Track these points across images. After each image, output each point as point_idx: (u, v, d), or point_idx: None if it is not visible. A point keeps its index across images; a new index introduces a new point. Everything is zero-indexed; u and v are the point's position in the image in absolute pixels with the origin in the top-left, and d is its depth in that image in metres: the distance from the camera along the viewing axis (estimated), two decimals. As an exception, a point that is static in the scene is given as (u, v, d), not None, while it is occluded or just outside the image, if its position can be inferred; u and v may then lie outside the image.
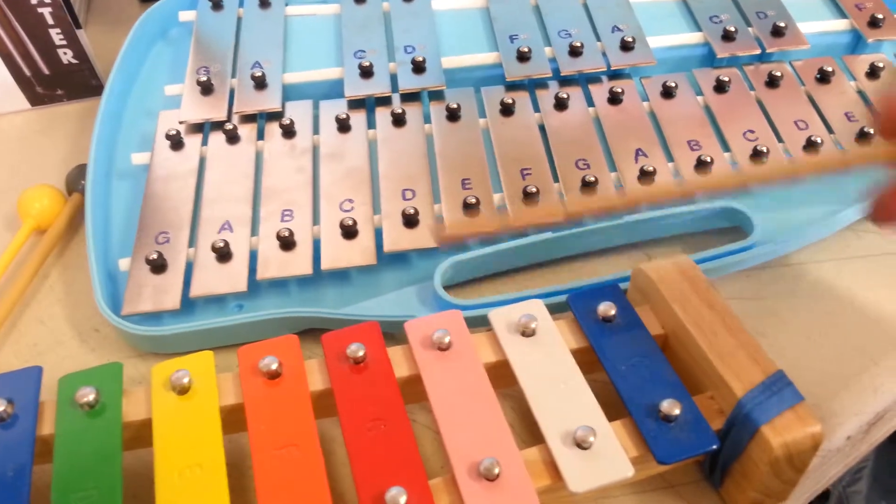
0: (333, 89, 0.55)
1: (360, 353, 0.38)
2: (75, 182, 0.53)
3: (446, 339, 0.38)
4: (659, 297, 0.40)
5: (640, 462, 0.35)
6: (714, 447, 0.35)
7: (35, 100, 0.62)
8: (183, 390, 0.37)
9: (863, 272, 0.49)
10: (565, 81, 0.56)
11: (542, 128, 0.53)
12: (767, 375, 0.36)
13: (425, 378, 0.38)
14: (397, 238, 0.47)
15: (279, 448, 0.35)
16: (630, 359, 0.38)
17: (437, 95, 0.55)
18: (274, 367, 0.37)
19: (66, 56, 0.60)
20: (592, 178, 0.48)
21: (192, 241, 0.47)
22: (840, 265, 0.49)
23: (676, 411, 0.35)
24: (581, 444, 0.34)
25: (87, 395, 0.36)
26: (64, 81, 0.62)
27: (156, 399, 0.37)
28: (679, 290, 0.40)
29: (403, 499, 0.32)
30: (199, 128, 0.53)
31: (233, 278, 0.45)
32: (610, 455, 0.34)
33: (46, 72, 0.61)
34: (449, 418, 0.36)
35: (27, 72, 0.60)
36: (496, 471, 0.33)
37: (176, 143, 0.52)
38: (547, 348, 0.39)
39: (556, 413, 0.36)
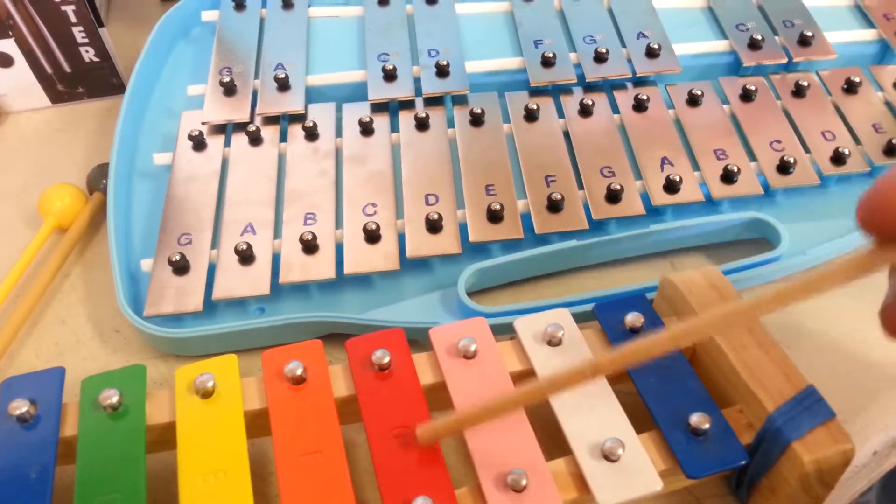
0: (356, 92, 0.55)
1: (386, 360, 0.37)
2: (97, 181, 0.53)
3: (472, 348, 0.38)
4: (687, 308, 0.39)
5: (668, 475, 0.35)
6: (743, 462, 0.34)
7: (56, 98, 0.62)
8: (207, 394, 0.37)
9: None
10: (590, 88, 0.55)
11: (566, 134, 0.52)
12: (798, 390, 0.35)
13: (451, 386, 0.37)
14: (420, 244, 0.46)
15: (303, 454, 0.35)
16: (658, 371, 0.37)
17: (460, 100, 0.54)
18: (299, 372, 0.37)
19: (88, 54, 0.60)
20: (618, 187, 0.48)
21: (214, 243, 0.47)
22: (868, 279, 0.48)
23: (706, 426, 0.34)
24: (609, 457, 0.34)
25: (111, 397, 0.36)
26: (85, 80, 0.61)
27: (179, 402, 0.37)
28: (707, 302, 0.39)
29: (430, 509, 0.32)
30: (221, 129, 0.53)
31: (255, 281, 0.45)
32: (638, 468, 0.34)
33: (68, 69, 0.61)
34: (475, 428, 0.35)
35: (49, 69, 0.60)
36: (523, 482, 0.33)
37: (198, 143, 0.52)
38: (574, 358, 0.38)
39: (583, 424, 0.35)
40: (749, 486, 0.37)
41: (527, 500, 0.33)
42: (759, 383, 0.36)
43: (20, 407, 0.36)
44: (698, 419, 0.35)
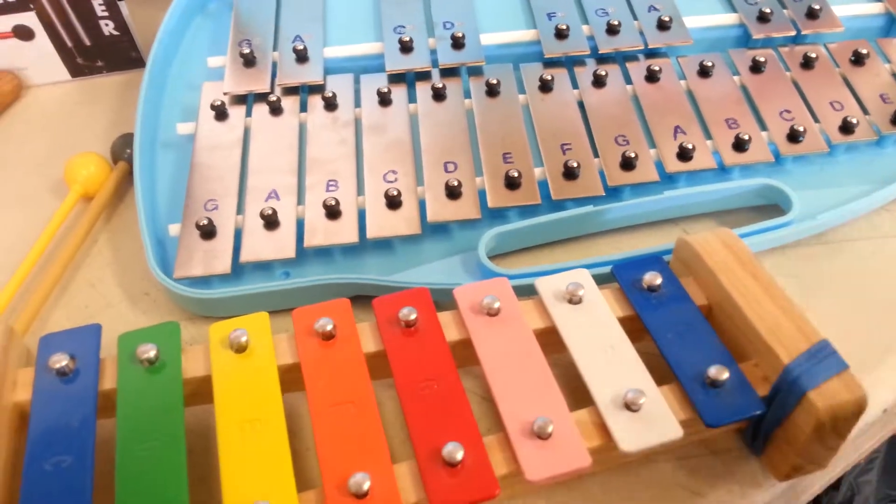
0: (373, 64, 0.56)
1: (413, 317, 0.39)
2: (121, 150, 0.54)
3: (496, 305, 0.39)
4: (703, 268, 0.41)
5: (687, 426, 0.36)
6: (760, 411, 0.36)
7: (75, 71, 0.63)
8: (241, 349, 0.38)
9: (897, 251, 0.49)
10: (603, 59, 0.56)
11: (580, 104, 0.54)
12: (812, 343, 0.36)
13: (475, 341, 0.38)
14: (440, 209, 0.47)
15: (336, 404, 0.36)
16: (676, 327, 0.39)
17: (476, 71, 0.55)
18: (329, 328, 0.38)
19: (108, 28, 0.61)
20: (632, 154, 0.49)
21: (239, 209, 0.48)
22: (875, 244, 0.50)
23: (725, 376, 0.36)
24: (630, 406, 0.35)
25: (148, 351, 0.37)
26: (104, 53, 0.62)
27: (214, 356, 0.38)
28: (723, 261, 0.40)
29: (460, 454, 0.33)
30: (242, 99, 0.54)
31: (281, 245, 0.46)
32: (659, 417, 0.35)
33: (87, 43, 0.61)
34: (501, 380, 0.37)
35: (69, 43, 0.61)
36: (549, 429, 0.34)
37: (220, 113, 0.53)
38: (594, 315, 0.40)
39: (604, 376, 0.37)
40: (765, 438, 0.38)
41: (552, 446, 0.34)
42: (774, 337, 0.37)
43: (60, 361, 0.37)
44: (716, 371, 0.36)
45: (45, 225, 0.50)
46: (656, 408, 0.36)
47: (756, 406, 0.36)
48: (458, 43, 0.56)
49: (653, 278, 0.40)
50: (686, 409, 0.36)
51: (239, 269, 0.47)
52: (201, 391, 0.38)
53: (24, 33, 0.59)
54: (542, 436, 0.34)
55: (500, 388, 0.36)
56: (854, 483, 0.92)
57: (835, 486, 0.91)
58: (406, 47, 0.55)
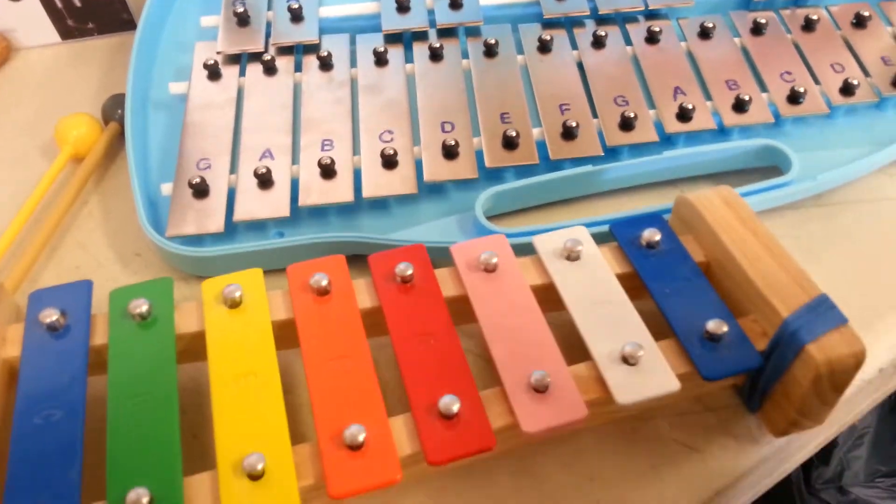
0: (369, 24, 0.55)
1: (409, 272, 0.38)
2: (112, 111, 0.53)
3: (493, 260, 0.39)
4: (702, 224, 0.40)
5: (686, 380, 0.36)
6: (758, 365, 0.35)
7: (66, 33, 0.62)
8: (234, 304, 0.37)
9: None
10: (602, 21, 0.56)
11: (579, 66, 0.53)
12: (812, 298, 0.36)
13: (472, 297, 0.38)
14: (437, 169, 0.47)
15: (331, 359, 0.35)
16: (674, 282, 0.38)
17: (473, 31, 0.54)
18: (324, 283, 0.37)
19: (99, -12, 0.60)
20: (632, 114, 0.49)
21: (233, 168, 0.47)
22: (873, 206, 0.49)
23: (723, 330, 0.35)
24: (628, 360, 0.35)
25: (140, 306, 0.37)
26: (95, 15, 0.61)
27: (208, 312, 0.37)
28: (722, 217, 0.40)
29: (456, 406, 0.33)
30: (235, 59, 0.53)
31: (275, 204, 0.45)
32: (656, 370, 0.35)
33: (78, 4, 0.60)
34: (497, 335, 0.36)
35: (59, 3, 0.60)
36: (547, 381, 0.34)
37: (213, 73, 0.52)
38: (591, 271, 0.39)
39: (602, 331, 0.36)
40: (762, 393, 0.38)
41: (550, 399, 0.34)
42: (773, 292, 0.36)
43: (50, 315, 0.37)
44: (714, 325, 0.36)
45: (35, 185, 0.49)
46: (653, 361, 0.35)
47: (754, 360, 0.36)
48: (455, 3, 0.55)
49: (651, 235, 0.40)
50: (684, 362, 0.36)
51: (232, 229, 0.46)
52: (194, 348, 0.38)
53: (12, -7, 0.58)
54: (538, 389, 0.34)
55: (497, 343, 0.36)
56: (844, 458, 0.93)
57: (825, 462, 0.92)
58: (403, 7, 0.55)
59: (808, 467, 0.91)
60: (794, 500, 0.91)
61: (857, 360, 0.35)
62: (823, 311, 0.36)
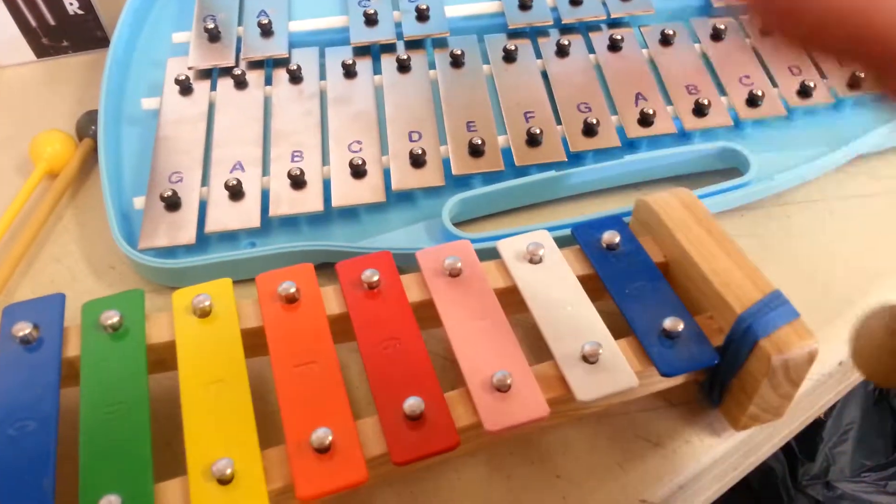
0: (338, 37, 0.56)
1: (375, 279, 0.39)
2: (86, 127, 0.54)
3: (458, 265, 0.40)
4: (660, 226, 0.41)
5: (644, 377, 0.37)
6: (715, 362, 0.37)
7: (40, 51, 0.63)
8: (204, 313, 0.38)
9: (854, 211, 0.50)
10: (566, 30, 0.57)
11: (544, 74, 0.54)
12: (765, 294, 0.37)
13: (437, 301, 0.39)
14: (405, 177, 0.48)
15: (299, 365, 0.36)
16: (633, 283, 0.39)
17: (440, 43, 0.56)
18: (292, 290, 0.38)
19: (72, 6, 0.60)
20: (594, 121, 0.50)
21: (204, 181, 0.48)
22: (832, 204, 0.51)
23: (680, 327, 0.36)
24: (588, 359, 0.36)
25: (112, 317, 0.37)
26: (69, 33, 0.62)
27: (178, 322, 0.38)
28: (680, 218, 0.41)
29: (421, 407, 0.34)
30: (206, 74, 0.54)
31: (246, 215, 0.46)
32: (615, 367, 0.36)
33: (52, 22, 0.61)
34: (461, 337, 0.37)
35: (33, 22, 0.61)
36: (508, 381, 0.35)
37: (185, 88, 0.53)
38: (554, 274, 0.40)
39: (563, 332, 0.37)
40: (721, 388, 0.39)
41: (512, 398, 0.35)
42: (728, 289, 0.38)
43: (23, 329, 0.37)
44: (671, 323, 0.37)
45: (10, 202, 0.50)
46: (613, 359, 0.36)
47: (710, 356, 0.37)
48: (422, 15, 0.56)
49: (611, 237, 0.41)
50: (642, 360, 0.37)
51: (204, 240, 0.47)
52: (165, 358, 0.38)
53: (-14, 13, 0.59)
54: (501, 388, 0.35)
55: (461, 345, 0.37)
56: (830, 454, 0.94)
57: (811, 458, 0.93)
58: (371, 20, 0.56)
59: (794, 463, 0.92)
60: (780, 496, 0.92)
61: (810, 354, 0.36)
62: (776, 307, 0.37)
